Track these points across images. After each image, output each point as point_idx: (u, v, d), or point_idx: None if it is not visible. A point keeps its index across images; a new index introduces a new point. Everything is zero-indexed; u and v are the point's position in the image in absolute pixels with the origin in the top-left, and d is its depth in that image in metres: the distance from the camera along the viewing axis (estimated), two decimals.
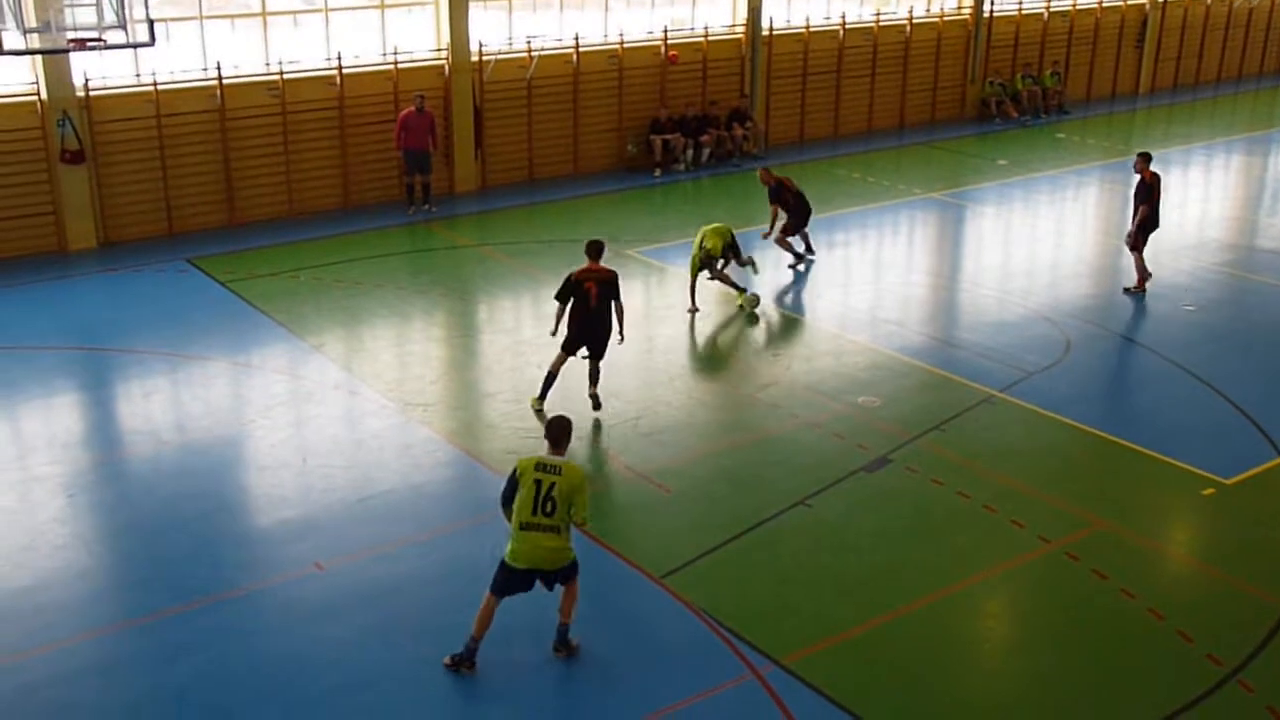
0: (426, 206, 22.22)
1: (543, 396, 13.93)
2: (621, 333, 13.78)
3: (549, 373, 13.90)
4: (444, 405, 14.24)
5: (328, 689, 9.21)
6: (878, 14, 29.13)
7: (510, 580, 9.27)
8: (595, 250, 13.69)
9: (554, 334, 13.84)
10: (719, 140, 26.15)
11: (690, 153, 25.56)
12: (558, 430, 9.34)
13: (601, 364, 13.92)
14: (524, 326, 17.02)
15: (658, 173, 25.11)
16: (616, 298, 13.64)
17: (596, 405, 13.92)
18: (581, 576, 10.42)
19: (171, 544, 11.18)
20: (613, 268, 13.85)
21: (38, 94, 19.49)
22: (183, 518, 11.65)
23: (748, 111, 26.69)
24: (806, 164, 26.34)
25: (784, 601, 10.33)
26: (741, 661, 9.50)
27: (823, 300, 18.08)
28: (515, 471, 9.19)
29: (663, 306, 17.47)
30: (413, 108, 21.67)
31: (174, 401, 14.52)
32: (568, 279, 13.63)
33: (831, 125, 28.87)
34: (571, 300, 13.57)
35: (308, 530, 11.49)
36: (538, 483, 9.03)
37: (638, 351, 15.55)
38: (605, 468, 12.81)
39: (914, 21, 29.47)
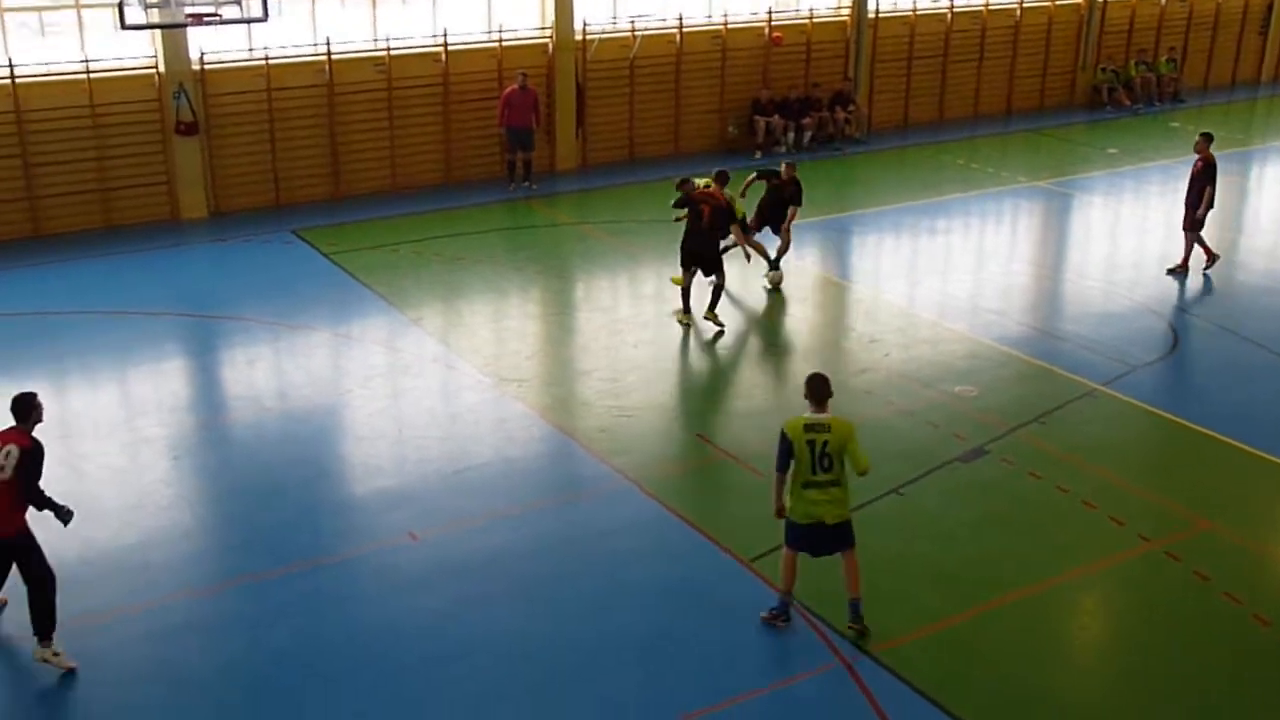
0: (527, 184, 22.34)
1: (685, 310, 15.78)
2: (748, 253, 16.27)
3: (682, 290, 15.79)
4: (539, 381, 14.34)
5: (420, 658, 9.34)
6: None
7: (800, 536, 9.51)
8: (720, 178, 15.85)
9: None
10: (821, 123, 25.90)
11: (791, 135, 25.35)
12: (818, 387, 9.49)
13: (721, 290, 15.60)
14: (621, 305, 17.06)
15: (758, 154, 24.94)
16: (730, 223, 15.65)
17: (717, 327, 15.45)
18: (671, 556, 10.47)
19: (272, 509, 11.42)
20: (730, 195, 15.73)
21: (156, 67, 19.94)
22: (283, 484, 11.89)
23: (851, 95, 26.39)
24: (909, 149, 26.01)
25: (874, 590, 10.20)
26: (829, 649, 9.45)
27: (922, 287, 17.84)
28: (784, 435, 9.35)
29: (760, 289, 17.37)
30: (516, 86, 21.79)
31: (277, 369, 14.81)
32: (688, 195, 15.51)
33: (936, 110, 28.43)
34: (687, 217, 15.55)
35: (403, 500, 11.65)
36: (810, 443, 9.27)
37: (733, 332, 15.50)
38: (696, 449, 12.78)
39: (1025, 5, 28.86)
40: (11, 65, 18.84)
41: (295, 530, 11.09)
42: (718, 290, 15.57)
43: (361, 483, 12.12)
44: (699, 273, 15.72)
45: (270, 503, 11.51)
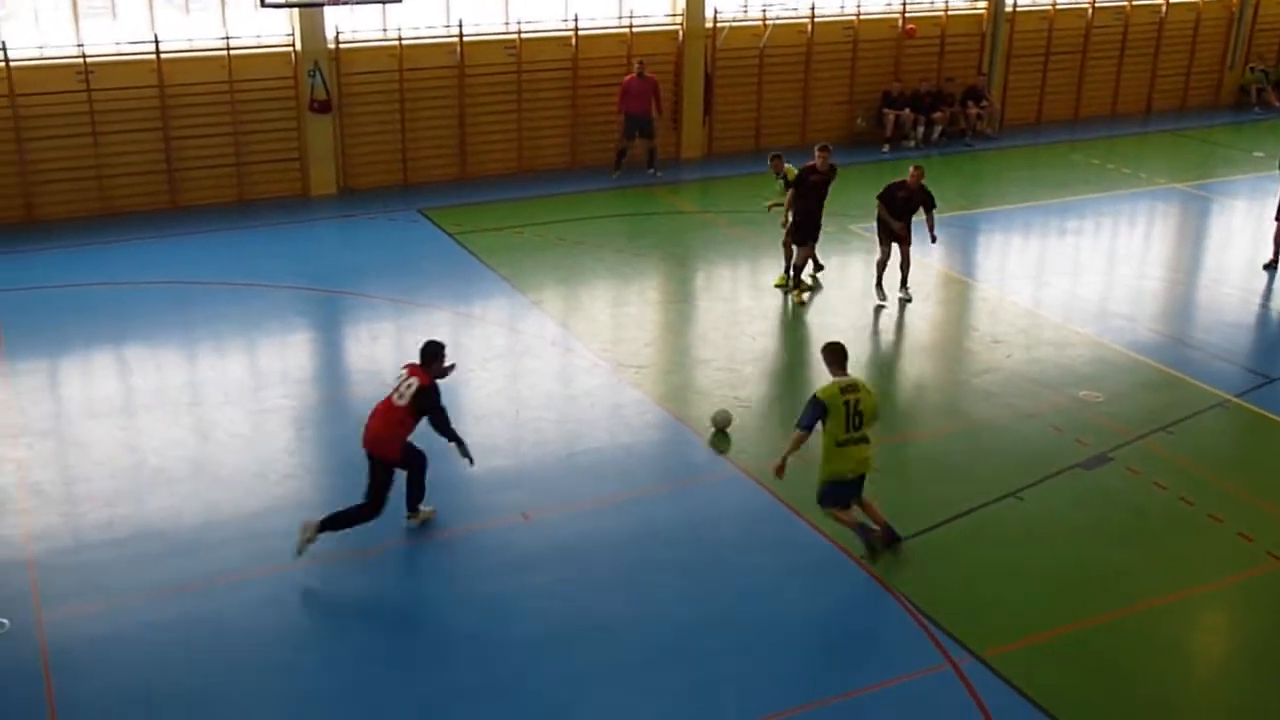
0: (651, 170, 22.42)
1: (797, 284, 16.59)
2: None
3: (796, 265, 16.49)
4: (656, 368, 14.41)
5: (525, 635, 9.48)
6: None
7: (844, 490, 10.49)
8: (824, 149, 16.29)
9: (784, 225, 16.63)
10: (952, 118, 25.54)
11: (921, 129, 25.04)
12: (840, 353, 10.51)
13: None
14: (741, 295, 17.05)
15: (886, 148, 24.69)
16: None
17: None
18: (781, 548, 10.51)
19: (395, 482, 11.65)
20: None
21: (293, 45, 20.45)
22: None
23: (984, 90, 25.95)
24: (1042, 147, 25.51)
25: (988, 594, 10.12)
26: (939, 650, 9.36)
27: (1049, 289, 17.49)
28: (819, 400, 10.15)
29: (889, 287, 17.19)
30: (634, 73, 21.87)
31: (399, 346, 15.10)
32: (799, 173, 16.31)
33: (1072, 108, 27.81)
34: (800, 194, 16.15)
35: (517, 480, 11.82)
36: (846, 403, 10.16)
37: (854, 328, 15.40)
38: (816, 443, 12.71)
39: (1171, 1, 28.04)
40: (157, 41, 19.49)
41: (715, 440, 11.50)
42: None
43: (478, 461, 12.29)
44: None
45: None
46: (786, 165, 17.26)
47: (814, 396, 10.22)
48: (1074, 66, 27.45)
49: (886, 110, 24.90)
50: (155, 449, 12.31)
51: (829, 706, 8.76)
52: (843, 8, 24.84)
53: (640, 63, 21.99)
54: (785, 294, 16.60)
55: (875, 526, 10.54)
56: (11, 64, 18.79)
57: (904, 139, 24.94)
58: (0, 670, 9.01)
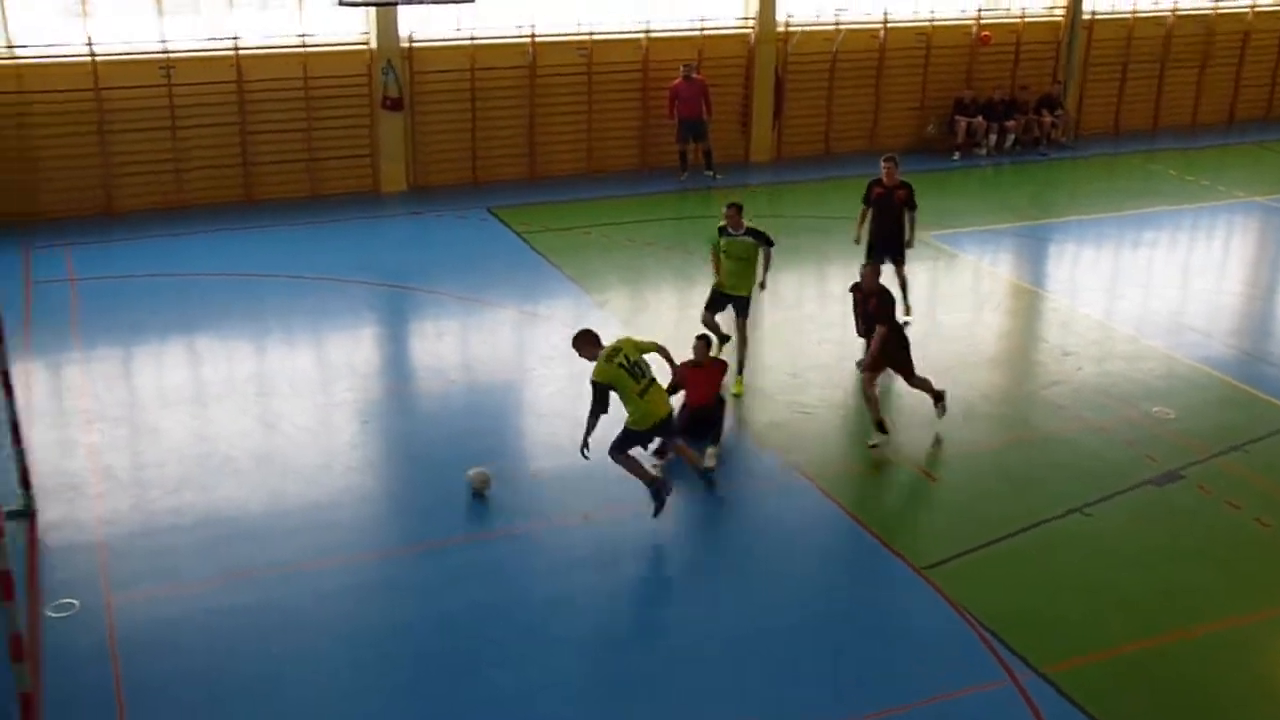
0: (710, 173, 22.39)
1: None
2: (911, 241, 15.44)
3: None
4: None
5: (583, 636, 9.50)
6: (1216, 1, 27.33)
7: (644, 435, 10.99)
8: (890, 159, 15.29)
9: (857, 241, 15.56)
10: (1026, 126, 25.28)
11: (993, 138, 24.80)
12: (587, 338, 10.84)
13: (905, 283, 15.60)
14: (806, 302, 16.99)
15: (956, 156, 24.49)
16: (911, 208, 15.15)
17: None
18: (839, 557, 10.45)
19: (454, 478, 11.70)
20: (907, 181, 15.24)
21: (368, 43, 20.68)
22: (465, 454, 12.17)
23: (1059, 98, 25.64)
24: (1119, 157, 25.15)
25: (1051, 609, 9.98)
26: (999, 665, 9.25)
27: (1122, 301, 17.24)
28: (596, 384, 10.56)
29: (950, 294, 17.07)
30: (681, 77, 21.83)
31: (463, 343, 15.21)
32: (868, 187, 15.40)
33: (1150, 118, 27.40)
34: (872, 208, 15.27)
35: (578, 481, 11.83)
36: (620, 365, 10.57)
37: (919, 336, 15.27)
38: (880, 452, 12.64)
39: (1257, 9, 27.53)
40: (235, 39, 19.79)
41: (473, 502, 11.38)
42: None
43: (540, 460, 12.37)
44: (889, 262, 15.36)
45: (451, 473, 11.81)
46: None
47: (591, 382, 10.56)
48: (1153, 75, 27.06)
49: (958, 117, 24.69)
50: (224, 438, 12.49)
51: (891, 716, 8.70)
52: (916, 13, 24.67)
53: (686, 65, 21.95)
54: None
55: (661, 476, 10.95)
56: (97, 58, 19.17)
57: (975, 146, 24.73)
58: (70, 650, 9.19)
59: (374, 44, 20.59)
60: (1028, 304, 17.08)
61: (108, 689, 8.75)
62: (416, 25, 20.90)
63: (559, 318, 15.88)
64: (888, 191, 15.24)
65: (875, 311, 12.44)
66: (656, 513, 10.77)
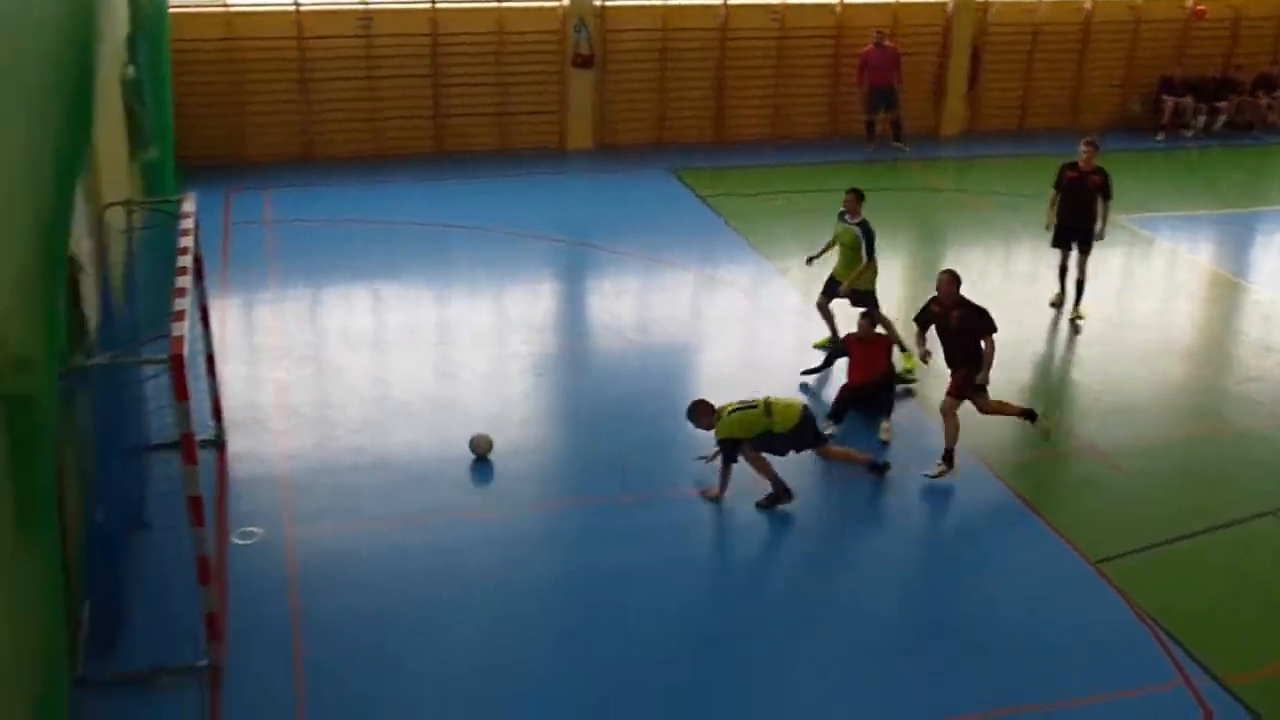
0: (898, 144, 21.96)
1: (1071, 312, 14.82)
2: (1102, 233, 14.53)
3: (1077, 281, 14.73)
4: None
5: (750, 604, 9.51)
6: None
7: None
8: (1091, 143, 14.34)
9: (1048, 227, 14.76)
10: (1239, 108, 24.06)
11: (1202, 119, 23.68)
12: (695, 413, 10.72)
13: (1085, 280, 14.62)
14: (990, 279, 16.56)
15: (1161, 136, 23.49)
16: (1106, 196, 14.33)
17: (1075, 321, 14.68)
18: (1013, 543, 10.21)
19: (622, 437, 11.84)
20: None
21: (562, 1, 20.86)
22: (636, 414, 12.30)
23: (1278, 79, 24.32)
24: None
25: (1234, 614, 9.57)
26: (1174, 666, 8.93)
27: None
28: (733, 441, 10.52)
29: (1145, 280, 16.45)
30: (873, 44, 21.38)
31: (642, 303, 15.31)
32: (1062, 169, 14.58)
33: None
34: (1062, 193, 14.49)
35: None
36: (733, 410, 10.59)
37: (1111, 324, 14.76)
38: (1058, 437, 12.30)
39: None
40: None
41: (647, 461, 11.46)
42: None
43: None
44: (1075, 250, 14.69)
45: (621, 431, 11.94)
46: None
47: (720, 441, 10.52)
48: None
49: (1165, 96, 23.65)
50: (403, 383, 12.85)
51: (1053, 711, 8.49)
52: None
53: (879, 32, 21.50)
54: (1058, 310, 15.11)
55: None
56: (301, 8, 19.81)
57: (1183, 127, 23.67)
58: (252, 576, 9.61)
59: (567, 1, 20.76)
60: (1228, 295, 16.33)
61: (285, 616, 9.13)
62: None
63: (739, 283, 15.84)
64: (1082, 176, 14.44)
65: (960, 327, 11.11)
66: (759, 506, 10.66)
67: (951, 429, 11.13)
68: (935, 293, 11.31)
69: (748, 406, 10.51)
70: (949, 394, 11.24)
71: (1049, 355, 14.23)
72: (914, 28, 22.19)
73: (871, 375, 12.29)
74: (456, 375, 13.10)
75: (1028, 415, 11.68)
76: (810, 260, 13.85)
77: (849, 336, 12.55)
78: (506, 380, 13.06)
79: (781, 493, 10.60)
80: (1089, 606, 9.62)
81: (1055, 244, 14.84)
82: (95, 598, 8.86)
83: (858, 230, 13.18)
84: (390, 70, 20.46)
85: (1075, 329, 14.59)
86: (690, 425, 10.73)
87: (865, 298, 13.23)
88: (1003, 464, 11.56)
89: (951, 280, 11.19)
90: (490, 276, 15.91)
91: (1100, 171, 14.41)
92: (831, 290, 13.52)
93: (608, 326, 14.71)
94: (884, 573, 10.03)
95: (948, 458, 11.16)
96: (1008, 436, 12.10)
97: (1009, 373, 13.49)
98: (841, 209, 13.43)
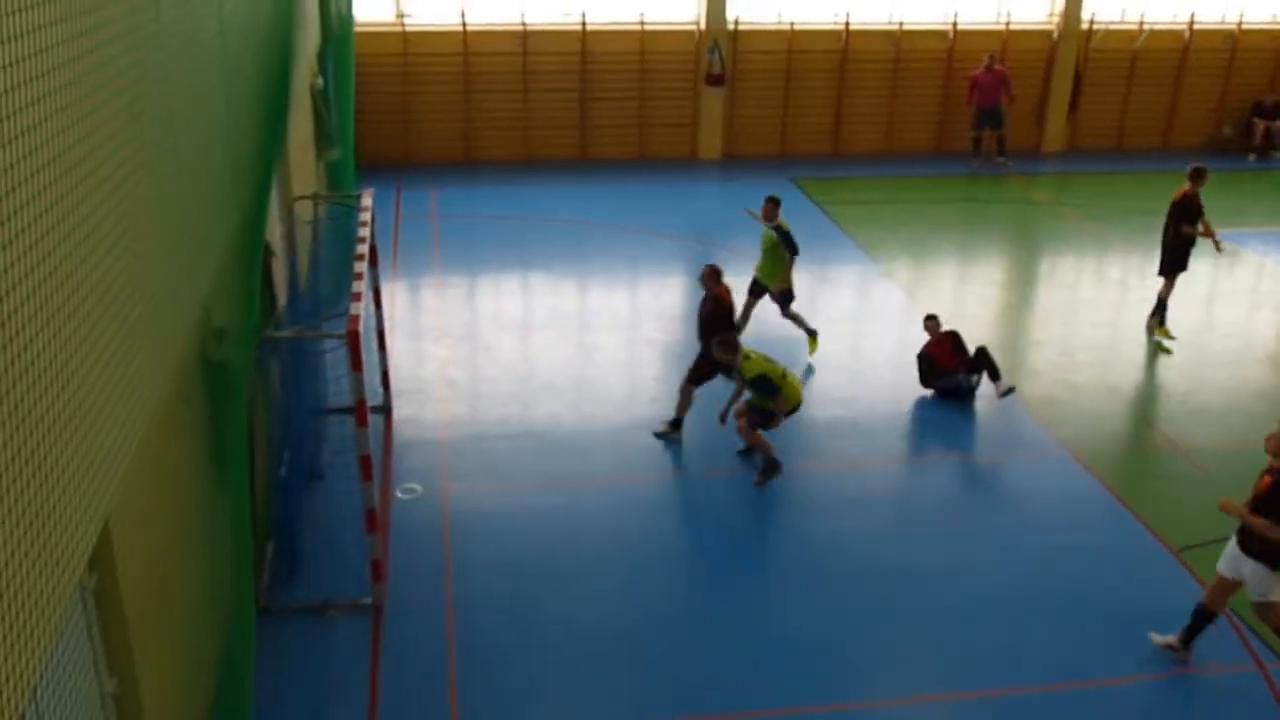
0: (1001, 160, 21.45)
1: (1161, 320, 14.03)
2: (1217, 244, 13.78)
3: (1161, 298, 14.01)
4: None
5: (850, 575, 9.42)
6: None
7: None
8: (1195, 174, 13.64)
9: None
10: None
11: None
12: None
13: (1170, 293, 13.88)
14: (1084, 285, 16.11)
15: (1252, 157, 22.56)
16: (1184, 220, 13.55)
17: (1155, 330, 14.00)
18: (1096, 530, 9.94)
19: None
20: (1192, 191, 13.59)
21: (698, 24, 20.82)
22: None
23: None
24: None
25: None
26: (1246, 650, 8.61)
27: None
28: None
29: (1230, 290, 15.82)
30: (983, 67, 20.90)
31: (760, 300, 15.19)
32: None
33: None
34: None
35: (852, 430, 11.71)
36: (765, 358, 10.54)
37: (1198, 330, 14.24)
38: (1138, 433, 11.93)
39: None
40: (584, 15, 20.32)
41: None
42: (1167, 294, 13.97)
43: (820, 409, 12.28)
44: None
45: None
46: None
47: (751, 379, 10.35)
48: None
49: (1256, 120, 22.70)
50: (547, 362, 13.00)
51: (1133, 684, 8.26)
52: (1224, 18, 22.74)
53: (991, 55, 21.00)
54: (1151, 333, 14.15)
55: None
56: (467, 27, 20.10)
57: (1273, 149, 22.68)
58: (415, 525, 9.83)
59: (703, 25, 20.70)
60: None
61: (439, 563, 9.32)
62: (742, 9, 20.89)
63: (847, 282, 15.67)
64: (1184, 200, 13.72)
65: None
66: (757, 483, 10.57)
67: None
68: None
69: (771, 361, 10.55)
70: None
71: (1136, 358, 13.78)
72: (1021, 52, 21.64)
73: (954, 361, 12.24)
74: (593, 357, 13.20)
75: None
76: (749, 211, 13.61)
77: (925, 346, 12.50)
78: (640, 363, 13.12)
79: (774, 466, 10.54)
80: (1170, 590, 9.31)
81: (1168, 271, 13.89)
82: (278, 539, 9.16)
83: (775, 234, 12.93)
84: (543, 84, 20.65)
85: (1166, 340, 13.93)
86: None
87: (787, 295, 13.16)
88: (1087, 454, 11.25)
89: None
90: (626, 269, 15.99)
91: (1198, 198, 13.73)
92: (758, 291, 13.38)
93: None
94: (974, 549, 9.83)
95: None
96: (1096, 429, 11.77)
97: (1101, 373, 13.14)
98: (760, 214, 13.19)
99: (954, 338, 12.53)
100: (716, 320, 11.20)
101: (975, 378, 12.35)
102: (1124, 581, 9.45)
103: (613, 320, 14.28)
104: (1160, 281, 14.00)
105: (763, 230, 13.18)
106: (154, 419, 5.73)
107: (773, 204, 13.02)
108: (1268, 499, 7.82)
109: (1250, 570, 7.98)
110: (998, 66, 21.05)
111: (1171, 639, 8.49)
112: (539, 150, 21.01)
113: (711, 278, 11.27)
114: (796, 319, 13.34)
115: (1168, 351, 13.77)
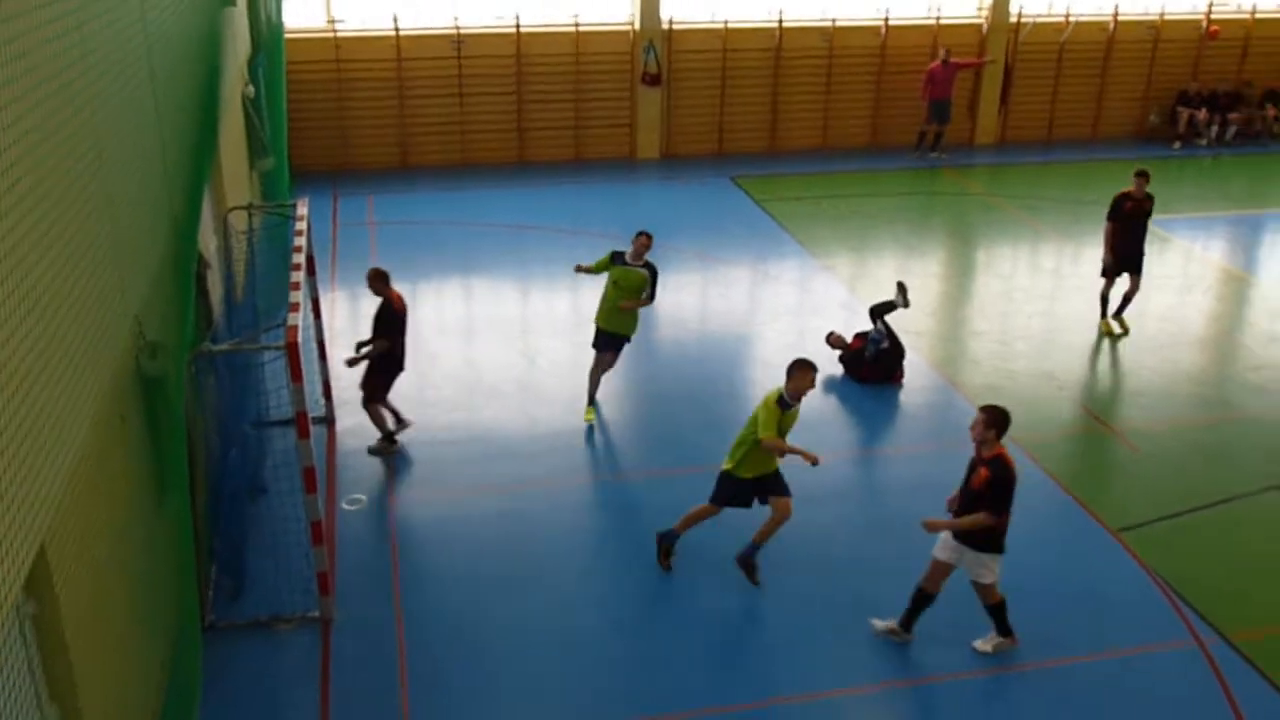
0: (935, 154, 21.71)
1: (1114, 313, 14.14)
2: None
3: (1102, 295, 14.15)
4: (934, 335, 14.02)
5: (795, 561, 9.47)
6: None
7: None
8: (1143, 174, 13.69)
9: (1105, 259, 13.97)
10: (1248, 119, 23.50)
11: (1215, 129, 23.16)
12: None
13: (1136, 293, 13.98)
14: (1020, 275, 16.34)
15: (1177, 145, 23.00)
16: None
17: (1119, 329, 14.05)
18: (1039, 515, 10.06)
19: (686, 416, 11.85)
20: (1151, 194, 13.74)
21: (632, 25, 20.83)
22: (696, 397, 12.31)
23: None
24: None
25: (1240, 580, 9.39)
26: (1186, 627, 8.78)
27: None
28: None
29: (1160, 275, 16.11)
30: (938, 62, 21.16)
31: (701, 296, 15.27)
32: (1114, 200, 13.82)
33: None
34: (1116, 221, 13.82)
35: (797, 425, 11.74)
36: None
37: (1131, 316, 14.48)
38: (1076, 417, 12.12)
39: None
40: (518, 18, 20.25)
41: (704, 438, 11.44)
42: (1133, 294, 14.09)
43: None
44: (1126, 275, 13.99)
45: (686, 411, 11.95)
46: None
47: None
48: None
49: (1181, 108, 23.16)
50: (489, 367, 12.94)
51: (1076, 664, 8.39)
52: (1147, 10, 23.18)
53: (946, 50, 21.27)
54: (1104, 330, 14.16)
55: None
56: (400, 32, 19.95)
57: (1196, 137, 23.16)
58: (362, 536, 9.75)
59: (638, 25, 20.72)
60: (1237, 290, 15.98)
61: (387, 573, 9.24)
62: (677, 9, 20.93)
63: (788, 277, 15.76)
64: (1139, 204, 13.72)
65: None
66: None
67: (375, 417, 10.86)
68: None
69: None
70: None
71: (1072, 344, 14.00)
72: (952, 46, 21.85)
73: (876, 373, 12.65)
74: (537, 361, 13.16)
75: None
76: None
77: (845, 351, 12.85)
78: (583, 366, 13.05)
79: None
80: (1110, 570, 9.48)
81: (1108, 274, 13.98)
82: (222, 555, 9.03)
83: (645, 273, 11.35)
84: (478, 88, 20.55)
85: (1120, 334, 14.00)
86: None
87: (623, 341, 11.67)
88: (1028, 440, 11.41)
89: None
90: (566, 273, 15.86)
91: (1151, 198, 13.77)
92: (615, 344, 11.69)
93: (671, 317, 14.67)
94: (917, 532, 9.92)
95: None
96: (1032, 415, 11.94)
97: (1038, 360, 13.32)
98: (620, 250, 11.58)
99: (860, 336, 12.80)
100: (388, 322, 10.60)
101: (883, 331, 12.57)
102: (1064, 563, 9.60)
103: (555, 323, 14.25)
104: (1109, 281, 14.07)
105: (619, 269, 11.38)
106: (89, 437, 5.62)
107: (650, 239, 11.50)
108: (986, 491, 8.02)
109: (971, 557, 8.22)
110: (952, 60, 21.30)
111: (892, 623, 8.61)
112: (476, 154, 20.91)
113: (379, 280, 10.68)
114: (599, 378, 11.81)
115: (1118, 337, 14.00)
